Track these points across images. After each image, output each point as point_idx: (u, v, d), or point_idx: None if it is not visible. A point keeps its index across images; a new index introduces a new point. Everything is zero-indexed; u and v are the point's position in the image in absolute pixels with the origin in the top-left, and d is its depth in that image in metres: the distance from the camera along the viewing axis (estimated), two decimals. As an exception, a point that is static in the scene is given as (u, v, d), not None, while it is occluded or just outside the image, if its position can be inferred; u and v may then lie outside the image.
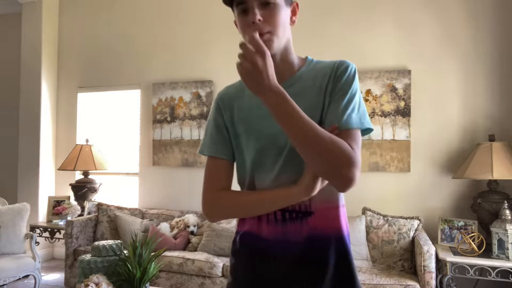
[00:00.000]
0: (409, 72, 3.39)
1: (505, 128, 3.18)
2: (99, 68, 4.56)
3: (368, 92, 3.47)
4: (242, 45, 0.85)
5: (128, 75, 4.42)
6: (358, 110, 0.95)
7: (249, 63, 0.84)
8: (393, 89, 3.42)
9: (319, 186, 0.93)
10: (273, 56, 0.92)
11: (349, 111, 0.93)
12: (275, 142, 0.99)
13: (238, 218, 1.08)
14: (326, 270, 0.99)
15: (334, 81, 0.97)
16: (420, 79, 3.39)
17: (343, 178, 0.86)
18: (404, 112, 3.38)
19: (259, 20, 0.92)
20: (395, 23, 3.49)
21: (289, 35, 1.01)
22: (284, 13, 0.97)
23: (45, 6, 4.58)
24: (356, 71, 0.99)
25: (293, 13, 1.02)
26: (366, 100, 3.46)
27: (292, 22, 1.02)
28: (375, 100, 3.45)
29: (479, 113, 3.25)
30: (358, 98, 0.97)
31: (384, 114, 3.43)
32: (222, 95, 1.10)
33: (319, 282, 0.99)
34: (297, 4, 1.03)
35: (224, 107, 1.08)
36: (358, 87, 0.98)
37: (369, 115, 3.46)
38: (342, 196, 1.03)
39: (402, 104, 3.39)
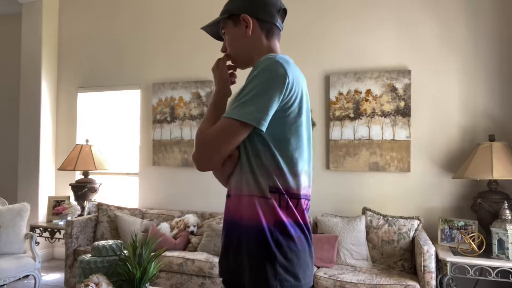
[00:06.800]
0: (409, 72, 3.38)
1: (505, 128, 3.18)
2: (99, 68, 4.56)
3: (368, 92, 3.47)
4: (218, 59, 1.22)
5: (128, 75, 4.42)
6: (244, 102, 1.00)
7: (216, 66, 1.22)
8: (393, 89, 3.41)
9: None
10: (243, 62, 1.22)
11: (236, 103, 1.01)
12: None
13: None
14: (240, 259, 1.04)
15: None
16: (420, 79, 3.39)
17: (193, 157, 1.05)
18: (404, 112, 3.37)
19: (224, 49, 1.23)
20: (395, 23, 3.49)
21: (250, 46, 1.16)
22: (236, 33, 1.16)
23: (45, 6, 4.58)
24: (272, 65, 1.02)
25: (246, 26, 1.15)
26: (366, 100, 3.46)
27: (247, 34, 1.15)
28: (375, 100, 3.45)
29: (479, 113, 3.25)
30: (252, 90, 1.00)
31: (384, 114, 3.42)
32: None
33: (236, 270, 1.06)
34: (244, 17, 1.14)
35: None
36: (262, 80, 1.00)
37: (369, 115, 3.45)
38: (262, 186, 1.03)
39: (402, 104, 3.38)
